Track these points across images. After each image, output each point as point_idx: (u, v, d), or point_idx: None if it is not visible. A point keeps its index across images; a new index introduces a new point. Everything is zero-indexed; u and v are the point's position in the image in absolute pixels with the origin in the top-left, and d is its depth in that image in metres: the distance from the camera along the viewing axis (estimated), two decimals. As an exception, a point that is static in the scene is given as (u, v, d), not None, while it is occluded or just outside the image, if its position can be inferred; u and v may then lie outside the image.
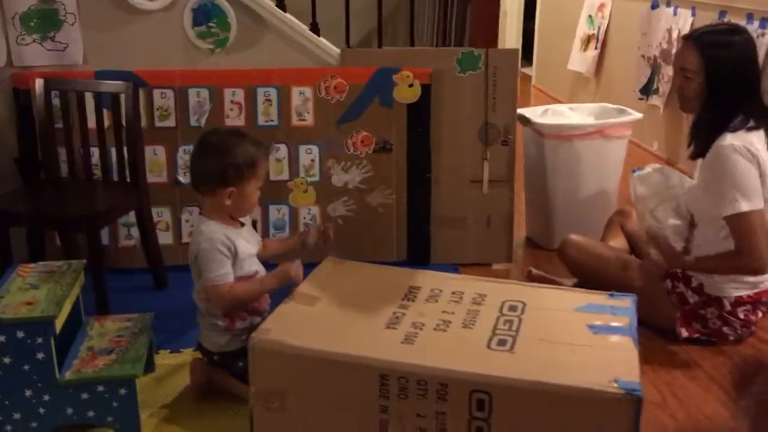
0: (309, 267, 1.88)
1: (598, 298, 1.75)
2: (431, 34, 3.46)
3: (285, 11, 2.63)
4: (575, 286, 2.28)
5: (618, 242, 2.49)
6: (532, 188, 2.96)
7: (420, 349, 1.56)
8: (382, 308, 1.72)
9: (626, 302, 1.71)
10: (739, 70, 2.06)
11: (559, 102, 4.88)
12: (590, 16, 5.19)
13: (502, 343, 1.57)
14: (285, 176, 2.65)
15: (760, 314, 2.18)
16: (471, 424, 1.48)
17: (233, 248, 1.79)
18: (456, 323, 1.66)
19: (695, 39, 2.09)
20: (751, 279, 2.11)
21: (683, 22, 3.89)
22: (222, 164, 1.77)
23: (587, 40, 5.22)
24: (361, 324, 1.67)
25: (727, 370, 2.05)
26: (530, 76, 6.69)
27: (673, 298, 2.17)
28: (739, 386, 1.99)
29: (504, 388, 1.45)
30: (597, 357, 1.51)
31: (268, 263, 1.97)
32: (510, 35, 7.37)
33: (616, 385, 1.39)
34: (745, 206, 1.98)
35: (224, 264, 1.77)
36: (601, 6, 5.03)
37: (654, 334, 2.18)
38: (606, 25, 4.95)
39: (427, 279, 1.89)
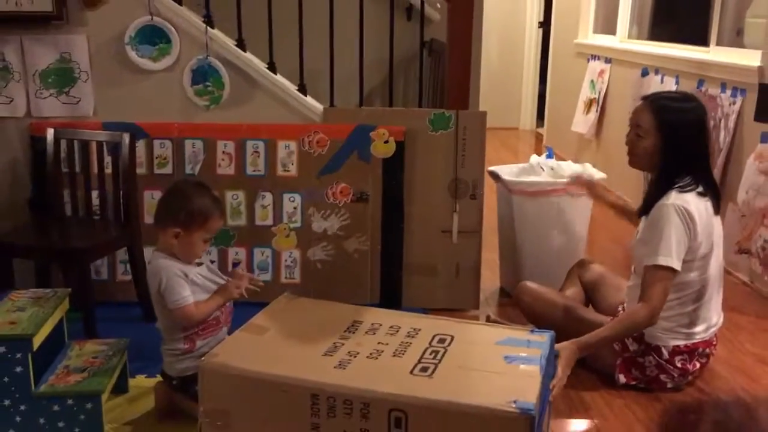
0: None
1: (519, 333, 1.91)
2: (408, 95, 3.72)
3: (275, 73, 2.90)
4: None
5: (574, 291, 2.63)
6: (503, 241, 3.13)
7: (349, 374, 1.73)
8: (324, 338, 1.90)
9: (543, 337, 1.88)
10: (691, 134, 2.21)
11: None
12: (592, 81, 5.42)
13: (424, 369, 1.74)
14: (269, 222, 2.88)
15: (698, 365, 2.29)
16: (390, 440, 1.64)
17: (188, 276, 1.99)
18: (387, 352, 1.84)
19: (651, 101, 2.25)
20: (685, 330, 2.24)
21: (669, 88, 4.08)
22: (179, 205, 1.98)
23: (589, 104, 5.43)
24: (301, 351, 1.86)
25: (658, 416, 2.16)
26: (542, 135, 6.94)
27: (616, 346, 2.30)
28: (667, 430, 2.10)
29: (418, 407, 1.61)
30: (504, 382, 1.67)
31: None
32: (526, 96, 7.69)
33: (513, 405, 1.55)
34: (661, 261, 2.12)
35: (185, 287, 1.96)
36: (601, 72, 5.26)
37: (594, 378, 2.31)
38: (605, 90, 5.17)
39: (370, 315, 2.07)
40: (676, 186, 2.19)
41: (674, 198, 2.16)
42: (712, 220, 2.22)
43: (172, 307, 1.97)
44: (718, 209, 2.25)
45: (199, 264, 2.08)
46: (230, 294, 2.04)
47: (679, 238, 2.14)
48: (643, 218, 2.30)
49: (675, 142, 2.20)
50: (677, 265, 2.14)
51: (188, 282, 1.99)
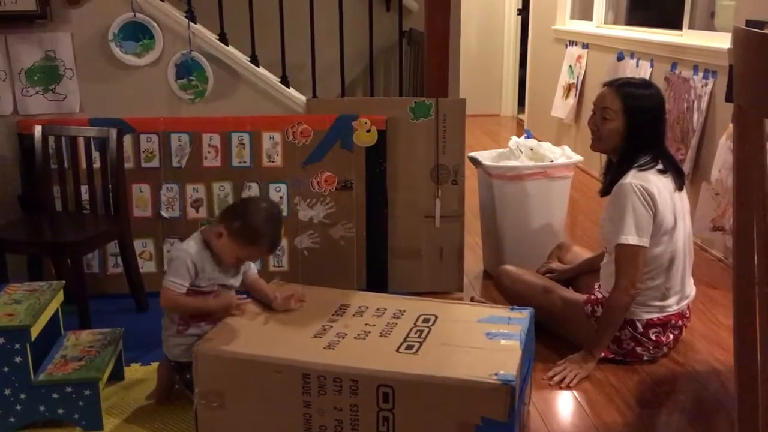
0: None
1: (500, 311, 2.00)
2: (389, 85, 3.79)
3: (258, 66, 2.96)
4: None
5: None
6: (485, 224, 3.21)
7: (338, 353, 1.81)
8: (313, 321, 1.98)
9: (523, 314, 1.96)
10: (651, 118, 2.33)
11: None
12: (570, 66, 5.50)
13: (409, 347, 1.82)
14: (257, 212, 2.94)
15: (671, 336, 2.39)
16: (379, 415, 1.73)
17: (202, 271, 2.00)
18: (374, 333, 1.92)
19: (618, 87, 2.36)
20: (658, 303, 2.34)
21: (644, 72, 4.18)
22: (241, 216, 2.01)
23: (568, 89, 5.52)
24: (292, 334, 1.94)
25: (635, 387, 2.26)
26: (524, 121, 7.02)
27: (592, 322, 2.39)
28: (643, 400, 2.20)
29: (404, 382, 1.70)
30: (486, 356, 1.76)
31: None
32: (506, 83, 7.77)
33: (495, 377, 1.64)
34: (630, 240, 2.22)
35: (184, 276, 1.98)
36: (579, 57, 5.34)
37: (574, 352, 2.40)
38: (583, 74, 5.25)
39: (357, 298, 2.16)
40: (635, 165, 2.29)
41: (632, 177, 2.27)
42: (674, 196, 2.31)
43: (163, 283, 2.00)
44: (681, 185, 2.35)
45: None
46: (224, 309, 2.05)
47: (639, 215, 2.23)
48: (608, 198, 2.39)
49: (637, 125, 2.31)
50: (644, 242, 2.24)
51: (191, 276, 2.00)
